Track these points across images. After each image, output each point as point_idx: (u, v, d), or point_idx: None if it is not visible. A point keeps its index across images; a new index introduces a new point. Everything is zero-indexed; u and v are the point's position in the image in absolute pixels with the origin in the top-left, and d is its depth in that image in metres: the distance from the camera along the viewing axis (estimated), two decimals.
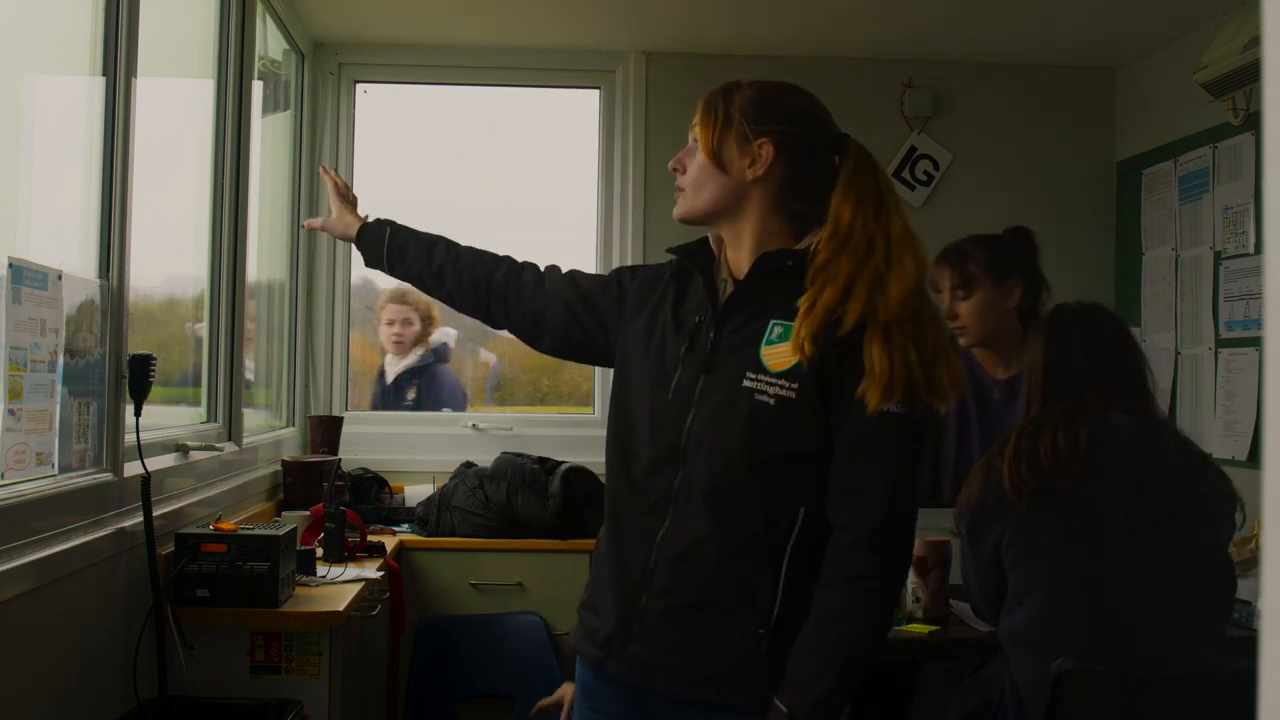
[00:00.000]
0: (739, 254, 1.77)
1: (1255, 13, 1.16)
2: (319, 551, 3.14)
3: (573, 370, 4.56)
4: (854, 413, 1.62)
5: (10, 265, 1.93)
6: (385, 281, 4.72)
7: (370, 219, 2.13)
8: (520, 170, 4.63)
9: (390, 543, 3.59)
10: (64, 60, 2.44)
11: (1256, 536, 2.51)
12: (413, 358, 4.49)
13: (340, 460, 3.88)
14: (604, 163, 4.45)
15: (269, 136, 3.95)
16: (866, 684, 1.71)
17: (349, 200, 2.18)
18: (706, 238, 1.84)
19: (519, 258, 2.02)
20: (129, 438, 2.39)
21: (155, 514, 2.40)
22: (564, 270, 1.99)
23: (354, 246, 2.14)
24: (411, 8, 3.99)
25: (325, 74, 4.37)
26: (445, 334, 4.55)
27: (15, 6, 2.27)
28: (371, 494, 4.09)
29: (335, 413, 4.35)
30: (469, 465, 3.97)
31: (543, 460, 3.90)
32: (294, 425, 4.23)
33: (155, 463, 2.54)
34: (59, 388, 2.12)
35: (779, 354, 1.67)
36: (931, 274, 2.77)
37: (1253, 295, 3.56)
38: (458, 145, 4.66)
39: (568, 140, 4.61)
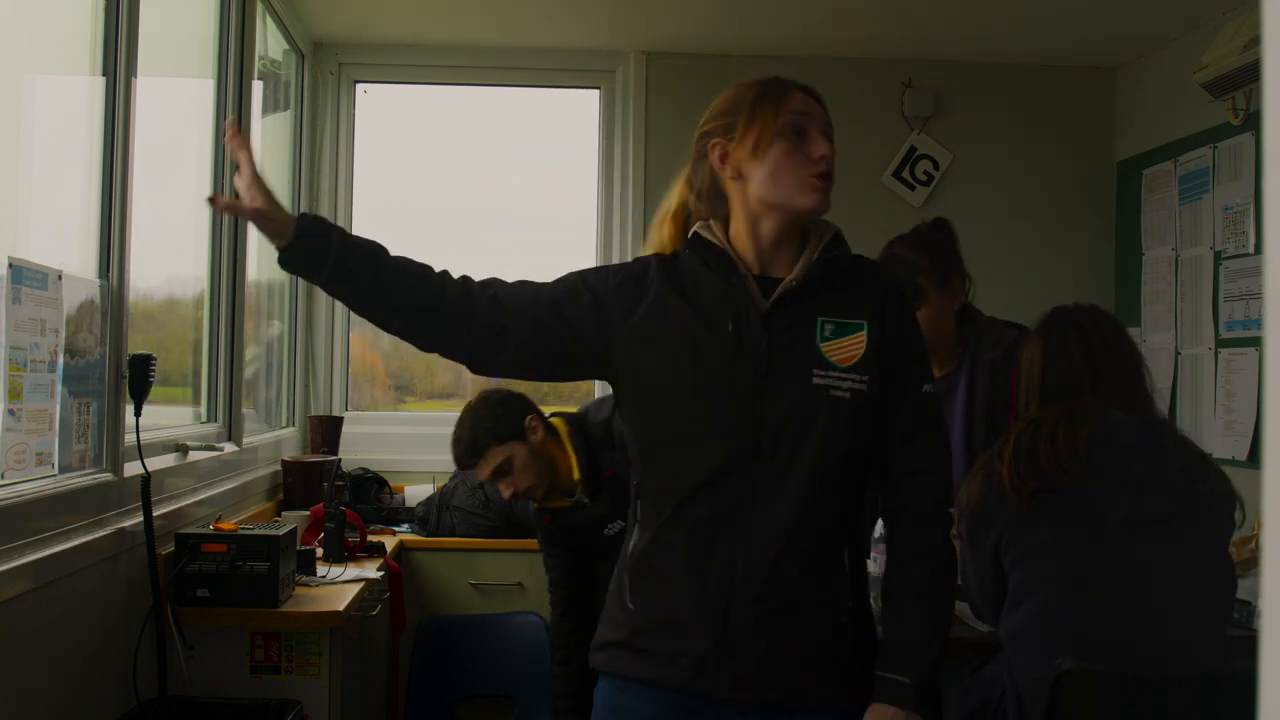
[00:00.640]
0: (783, 251, 1.74)
1: (1255, 13, 1.16)
2: (319, 551, 3.14)
3: None
4: (910, 394, 1.72)
5: (10, 265, 1.93)
6: None
7: (297, 215, 1.65)
8: (520, 170, 4.63)
9: (390, 543, 3.59)
10: (64, 60, 2.44)
11: (1256, 536, 2.51)
12: None
13: (340, 460, 3.88)
14: (604, 163, 4.45)
15: (269, 136, 3.95)
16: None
17: (263, 182, 1.63)
18: (698, 235, 1.75)
19: (437, 266, 1.74)
20: (129, 438, 2.39)
21: (155, 514, 2.40)
22: (503, 280, 1.77)
23: (272, 243, 1.65)
24: (411, 8, 3.99)
25: (325, 74, 4.37)
26: None
27: (15, 6, 2.27)
28: (371, 494, 4.09)
29: (335, 413, 4.35)
30: None
31: None
32: (294, 425, 4.23)
33: (155, 463, 2.54)
34: (59, 388, 2.12)
35: (842, 349, 1.69)
36: None
37: (1253, 295, 3.56)
38: (458, 145, 4.66)
39: (568, 140, 4.61)
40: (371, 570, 3.10)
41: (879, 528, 2.27)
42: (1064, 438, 2.09)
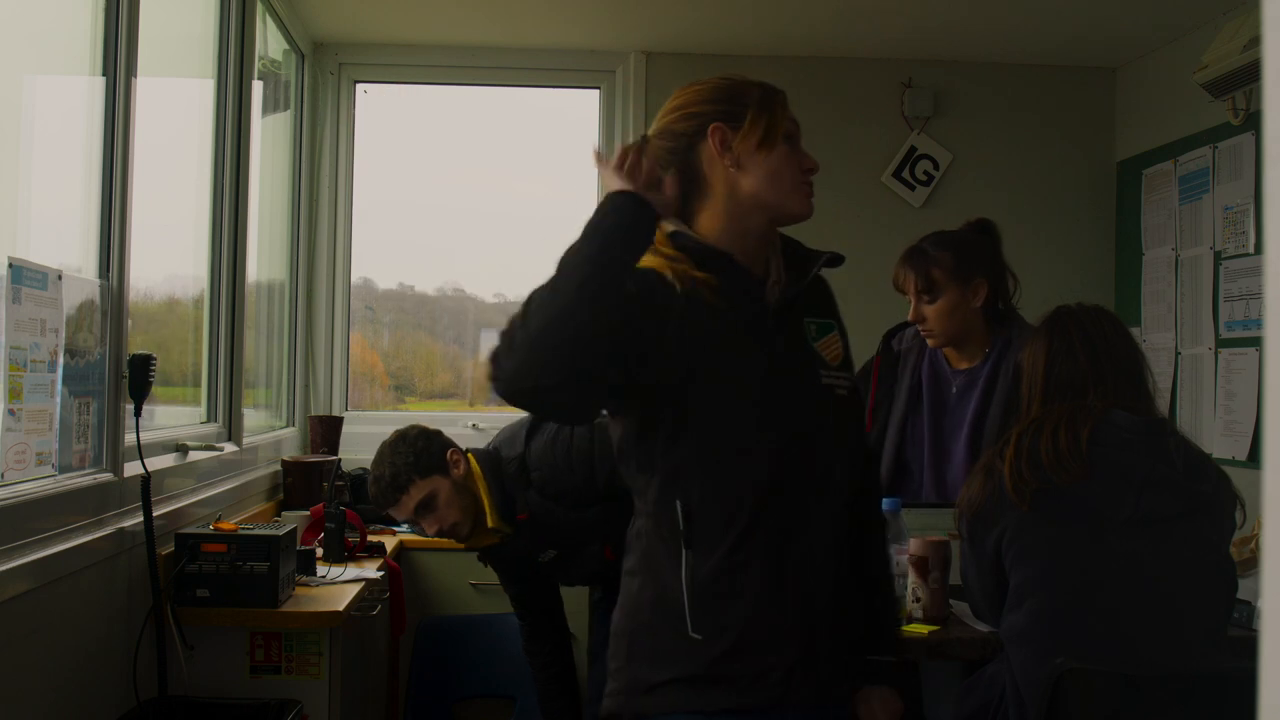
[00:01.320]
0: (772, 254, 1.74)
1: (1255, 13, 1.16)
2: (319, 551, 3.14)
3: None
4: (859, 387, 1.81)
5: (10, 265, 1.93)
6: (385, 281, 4.73)
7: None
8: (520, 170, 4.63)
9: (390, 543, 3.59)
10: (64, 60, 2.43)
11: (1256, 536, 2.51)
12: None
13: (340, 460, 3.88)
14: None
15: (269, 136, 3.95)
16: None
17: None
18: (690, 237, 1.68)
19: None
20: (129, 438, 2.39)
21: (155, 514, 2.40)
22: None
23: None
24: (411, 8, 3.99)
25: (325, 74, 4.37)
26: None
27: (15, 6, 2.27)
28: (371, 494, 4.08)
29: (335, 413, 4.35)
30: None
31: None
32: (294, 425, 4.23)
33: (155, 463, 2.54)
34: (59, 388, 2.12)
35: (828, 348, 1.72)
36: (896, 275, 2.76)
37: (1253, 295, 3.56)
38: (458, 145, 4.66)
39: (568, 140, 4.61)
40: (371, 570, 3.10)
41: None
42: (1066, 438, 2.09)
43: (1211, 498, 2.10)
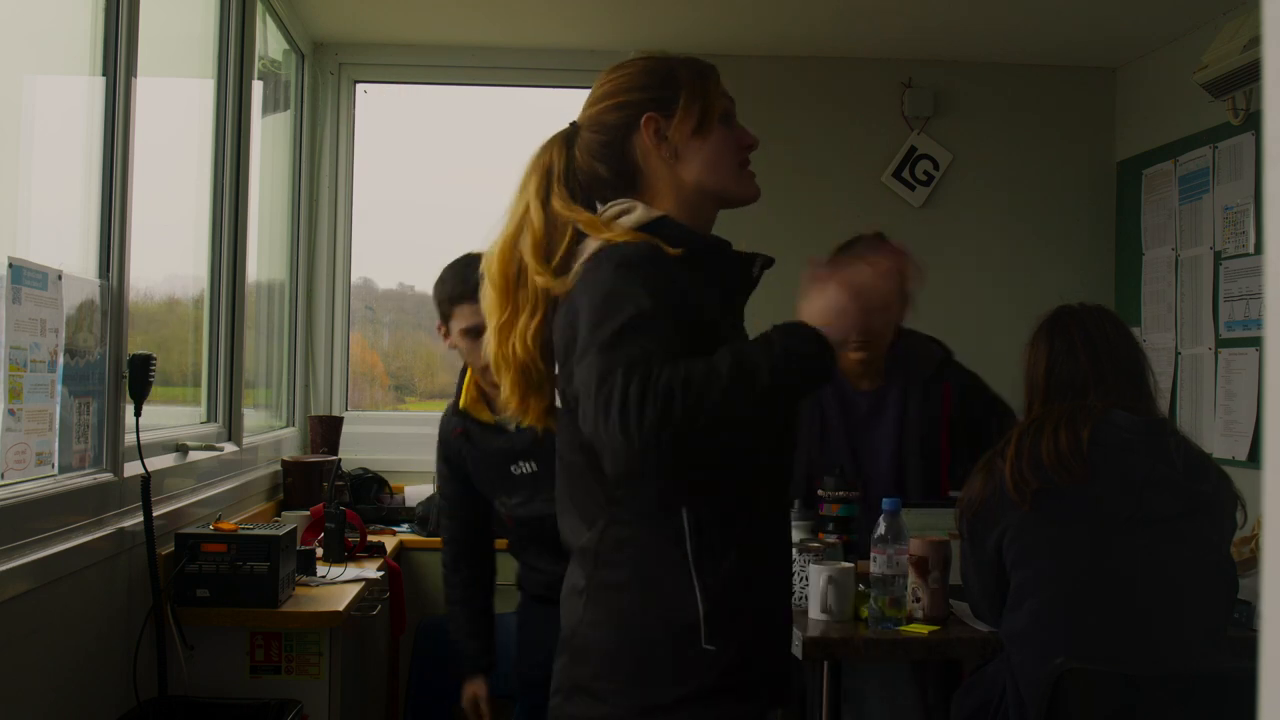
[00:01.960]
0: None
1: (1255, 13, 1.16)
2: (319, 551, 3.14)
3: None
4: None
5: (10, 265, 1.93)
6: (385, 281, 4.73)
7: None
8: (520, 171, 4.62)
9: (390, 543, 3.59)
10: (64, 60, 2.44)
11: (1256, 536, 2.51)
12: None
13: (340, 460, 3.87)
14: None
15: (269, 136, 3.95)
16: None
17: None
18: (681, 227, 1.58)
19: None
20: (129, 438, 2.39)
21: (155, 514, 2.40)
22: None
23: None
24: (411, 8, 3.99)
25: (325, 74, 4.37)
26: None
27: (15, 6, 2.27)
28: (371, 494, 4.09)
29: (335, 413, 4.35)
30: None
31: None
32: (294, 425, 4.23)
33: (155, 463, 2.54)
34: (59, 388, 2.12)
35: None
36: None
37: (1253, 295, 3.56)
38: (458, 145, 4.66)
39: None
40: (371, 570, 3.10)
41: (880, 527, 2.27)
42: (1066, 437, 2.09)
43: (1212, 498, 2.10)
